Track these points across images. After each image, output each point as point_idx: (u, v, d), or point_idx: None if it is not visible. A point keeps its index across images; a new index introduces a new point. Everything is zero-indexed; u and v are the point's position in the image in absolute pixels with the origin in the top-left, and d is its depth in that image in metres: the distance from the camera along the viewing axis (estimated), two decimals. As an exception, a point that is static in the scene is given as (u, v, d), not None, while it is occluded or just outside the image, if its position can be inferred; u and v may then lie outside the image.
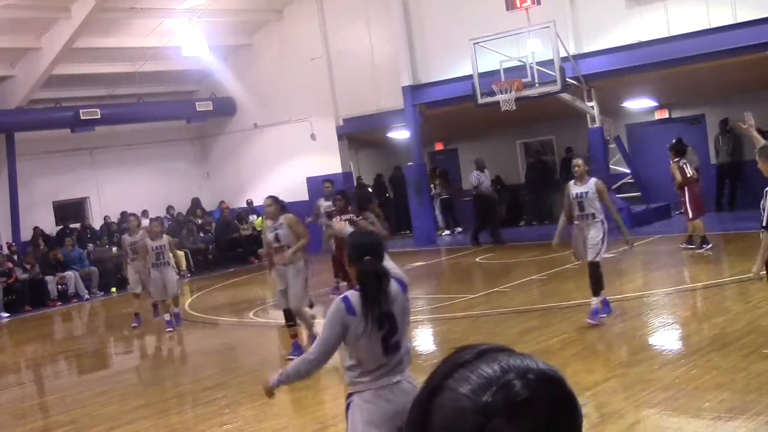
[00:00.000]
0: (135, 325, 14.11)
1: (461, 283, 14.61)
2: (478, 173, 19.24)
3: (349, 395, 4.42)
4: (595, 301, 9.79)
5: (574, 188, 10.05)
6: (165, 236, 13.70)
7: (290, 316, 10.25)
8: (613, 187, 18.77)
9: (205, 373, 10.29)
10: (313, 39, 21.85)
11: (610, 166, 19.04)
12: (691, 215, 14.24)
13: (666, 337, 9.44)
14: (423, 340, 11.01)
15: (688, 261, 14.52)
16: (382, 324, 4.26)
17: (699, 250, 14.16)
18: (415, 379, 4.40)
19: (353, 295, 4.31)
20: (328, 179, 15.53)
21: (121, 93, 22.40)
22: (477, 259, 17.31)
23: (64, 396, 10.12)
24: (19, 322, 17.32)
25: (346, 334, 4.25)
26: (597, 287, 9.89)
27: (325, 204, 14.64)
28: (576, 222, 10.04)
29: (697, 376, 7.28)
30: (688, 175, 14.17)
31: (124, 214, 22.24)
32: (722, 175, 19.10)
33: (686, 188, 14.17)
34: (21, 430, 8.68)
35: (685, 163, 14.55)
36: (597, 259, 9.84)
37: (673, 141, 18.37)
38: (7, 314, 17.89)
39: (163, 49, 20.84)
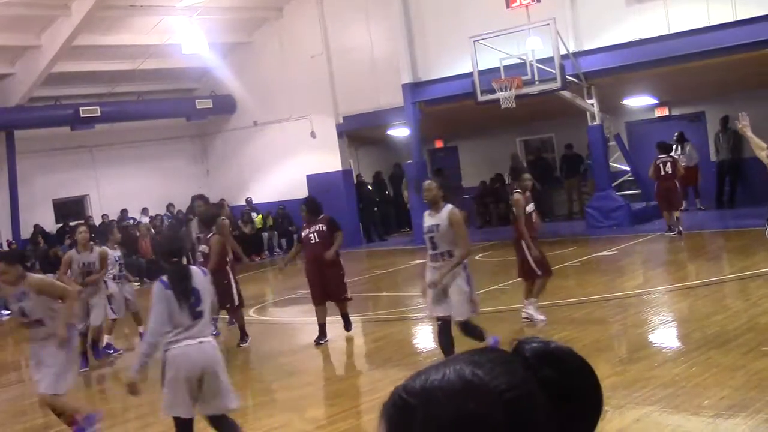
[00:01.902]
0: (84, 369, 10.62)
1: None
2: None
3: (165, 351, 5.90)
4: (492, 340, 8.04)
5: (427, 220, 8.07)
6: (95, 249, 10.71)
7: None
8: (613, 184, 18.80)
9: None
10: (312, 36, 21.84)
11: (610, 163, 19.04)
12: (660, 207, 16.39)
13: (666, 335, 9.44)
14: (423, 337, 11.01)
15: (688, 258, 14.54)
16: (188, 297, 5.92)
17: (669, 233, 15.90)
18: (215, 341, 6.19)
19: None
20: (200, 195, 12.67)
21: (120, 91, 22.40)
22: (477, 257, 17.30)
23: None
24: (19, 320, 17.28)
25: (170, 306, 5.85)
26: (479, 339, 8.01)
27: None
28: (430, 263, 8.09)
29: (697, 373, 7.28)
30: (662, 173, 15.84)
31: (124, 211, 22.28)
32: (722, 173, 19.10)
33: (656, 183, 16.11)
34: (21, 428, 8.68)
35: (664, 162, 15.85)
36: (465, 317, 8.01)
37: (675, 135, 18.81)
38: (7, 312, 17.88)
39: (163, 46, 20.83)
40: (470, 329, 8.05)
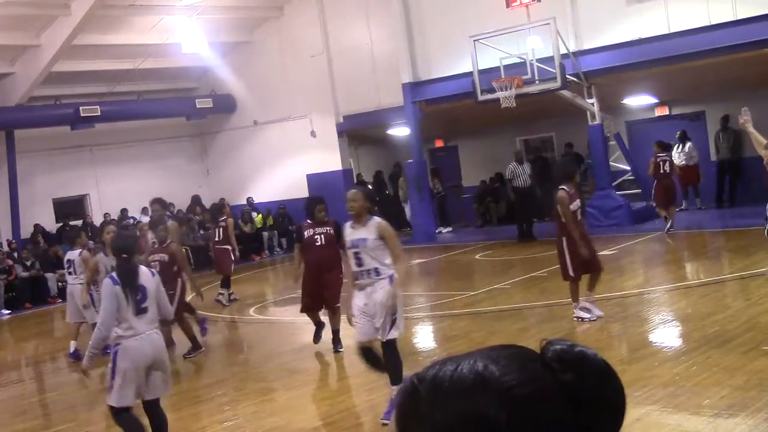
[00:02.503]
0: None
1: (462, 280, 14.60)
2: (515, 165, 18.76)
3: (116, 345, 6.36)
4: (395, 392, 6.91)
5: (350, 233, 7.26)
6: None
7: None
8: (613, 184, 18.80)
9: (205, 370, 10.29)
10: (313, 36, 21.85)
11: (610, 163, 19.05)
12: (654, 204, 16.80)
13: (666, 334, 9.44)
14: (423, 336, 11.01)
15: (688, 257, 14.54)
16: (135, 292, 6.36)
17: (669, 232, 16.24)
18: (160, 333, 6.66)
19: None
20: (157, 198, 12.62)
21: (120, 90, 22.41)
22: (477, 257, 17.32)
23: (64, 393, 10.13)
24: (19, 319, 17.34)
25: (118, 300, 6.28)
26: (396, 374, 7.08)
27: (150, 235, 11.90)
28: (356, 281, 7.31)
29: (697, 373, 7.28)
30: (661, 171, 16.29)
31: (124, 211, 22.27)
32: (722, 172, 19.11)
33: (655, 181, 16.43)
34: (21, 428, 8.69)
35: (664, 160, 16.37)
36: (394, 335, 7.16)
37: (677, 134, 18.90)
38: (8, 311, 17.92)
39: (163, 46, 20.84)
40: (393, 354, 7.15)
